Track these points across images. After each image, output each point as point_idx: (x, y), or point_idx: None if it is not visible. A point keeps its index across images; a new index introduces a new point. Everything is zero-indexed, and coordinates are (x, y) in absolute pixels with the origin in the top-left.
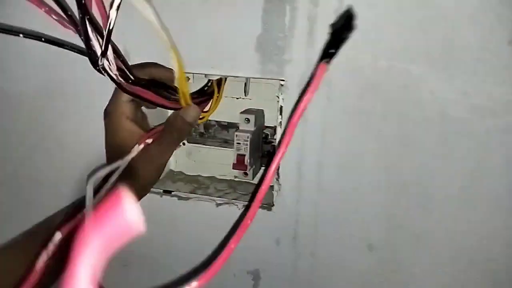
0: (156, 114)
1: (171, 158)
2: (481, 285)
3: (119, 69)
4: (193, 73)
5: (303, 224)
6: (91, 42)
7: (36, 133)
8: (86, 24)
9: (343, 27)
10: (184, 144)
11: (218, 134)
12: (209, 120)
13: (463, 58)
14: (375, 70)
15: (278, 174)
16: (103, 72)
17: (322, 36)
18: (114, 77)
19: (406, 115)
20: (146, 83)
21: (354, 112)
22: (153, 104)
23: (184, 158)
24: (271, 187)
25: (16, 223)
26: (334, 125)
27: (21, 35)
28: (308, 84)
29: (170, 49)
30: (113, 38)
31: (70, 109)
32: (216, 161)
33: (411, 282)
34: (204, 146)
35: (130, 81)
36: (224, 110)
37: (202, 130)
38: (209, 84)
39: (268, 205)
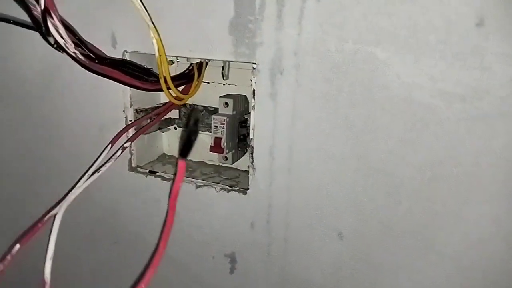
0: (145, 96)
1: (164, 141)
2: (449, 277)
3: (77, 47)
4: (174, 56)
5: (276, 209)
6: (37, 20)
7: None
8: (24, 2)
9: (190, 133)
10: (175, 128)
11: (206, 119)
12: (197, 105)
13: (430, 41)
14: (341, 53)
15: (252, 157)
16: (59, 50)
17: (290, 19)
18: (73, 54)
19: (372, 100)
20: (112, 62)
21: (322, 96)
22: (123, 84)
23: (176, 142)
24: (246, 171)
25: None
26: (303, 109)
27: None
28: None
29: (151, 29)
30: (100, 24)
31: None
32: (205, 146)
33: (380, 272)
34: None
35: (94, 60)
36: (211, 95)
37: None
38: (191, 67)
39: (243, 189)
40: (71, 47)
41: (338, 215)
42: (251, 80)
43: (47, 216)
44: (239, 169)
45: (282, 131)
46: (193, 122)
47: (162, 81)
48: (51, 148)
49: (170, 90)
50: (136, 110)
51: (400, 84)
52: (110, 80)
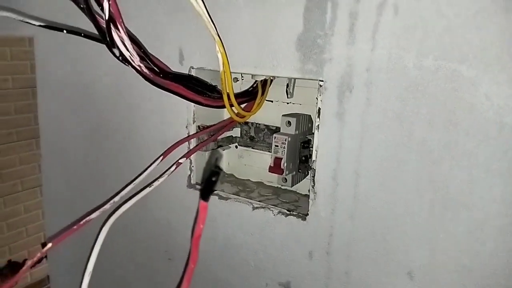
0: (209, 114)
1: (224, 160)
2: None
3: (142, 60)
4: (239, 73)
5: (338, 238)
6: (103, 31)
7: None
8: (92, 14)
9: (212, 174)
10: (236, 147)
11: (267, 138)
12: (258, 124)
13: None
14: (420, 70)
15: (314, 181)
16: (124, 62)
17: (364, 34)
18: (138, 67)
19: (455, 123)
20: (176, 76)
21: (396, 117)
22: (186, 100)
23: (235, 161)
24: (307, 195)
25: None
26: (373, 130)
27: (64, 31)
28: (195, 219)
29: (216, 42)
30: (169, 40)
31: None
32: (265, 166)
33: None
34: (254, 150)
35: (159, 74)
36: (274, 114)
37: (253, 134)
38: (255, 85)
39: (303, 215)
40: (136, 60)
41: (408, 252)
42: (316, 98)
43: (86, 219)
44: (298, 193)
45: (348, 154)
46: (214, 162)
47: (225, 97)
48: (117, 160)
49: (232, 107)
50: (198, 127)
51: (490, 106)
52: (174, 96)
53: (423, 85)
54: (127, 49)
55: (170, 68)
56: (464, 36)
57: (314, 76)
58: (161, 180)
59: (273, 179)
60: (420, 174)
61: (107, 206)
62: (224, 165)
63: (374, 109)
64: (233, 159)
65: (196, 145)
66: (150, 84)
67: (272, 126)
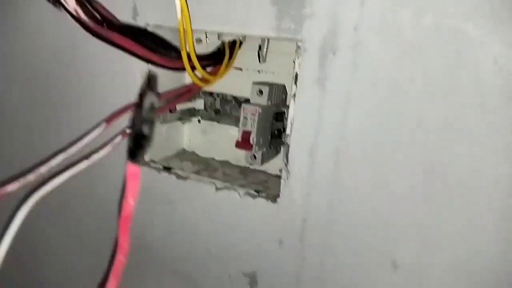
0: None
1: (185, 135)
2: None
3: (80, 4)
4: (202, 31)
5: (313, 225)
6: None
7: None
8: None
9: (142, 125)
10: (199, 121)
11: (235, 111)
12: (225, 95)
13: None
14: (417, 29)
15: (287, 158)
16: (55, 4)
17: None
18: (73, 12)
19: (457, 92)
20: (125, 28)
21: (388, 85)
22: (137, 57)
23: (198, 137)
24: (278, 176)
25: None
26: (360, 101)
27: None
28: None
29: None
30: None
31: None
32: (231, 143)
33: None
34: (220, 124)
35: (101, 24)
36: (243, 84)
37: (218, 106)
38: (221, 47)
39: (273, 196)
40: (71, 2)
41: (395, 242)
42: (293, 62)
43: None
44: (269, 173)
45: (329, 128)
46: (147, 108)
47: (184, 56)
48: (59, 129)
49: (194, 71)
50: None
51: (498, 71)
52: (126, 55)
53: (421, 47)
54: None
55: (116, 18)
56: None
57: (292, 35)
58: (102, 152)
59: (240, 158)
60: (413, 153)
61: (30, 177)
62: (184, 141)
63: (362, 75)
64: (195, 135)
65: None
66: (94, 37)
67: (241, 97)
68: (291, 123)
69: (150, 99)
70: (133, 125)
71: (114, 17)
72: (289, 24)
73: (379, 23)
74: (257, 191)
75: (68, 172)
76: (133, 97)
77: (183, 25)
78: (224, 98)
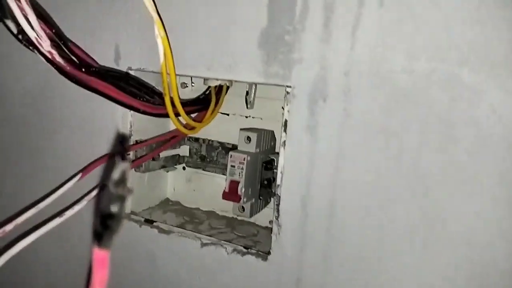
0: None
1: (169, 184)
2: None
3: (55, 47)
4: (187, 76)
5: (308, 284)
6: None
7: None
8: None
9: (109, 213)
10: (184, 168)
11: (222, 158)
12: (212, 141)
13: None
14: (410, 75)
15: (278, 211)
16: (29, 46)
17: (342, 29)
18: (47, 54)
19: (454, 140)
20: (104, 72)
21: (381, 133)
22: (117, 103)
23: (183, 185)
24: (269, 229)
25: None
26: (353, 149)
27: None
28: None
29: (155, 22)
30: (101, 35)
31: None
32: (218, 192)
33: None
34: (206, 172)
35: (79, 68)
36: (230, 130)
37: (204, 153)
38: (207, 92)
39: (263, 253)
40: (45, 44)
41: None
42: (282, 108)
43: None
44: (258, 225)
45: (322, 178)
46: (117, 180)
47: (167, 101)
48: (30, 180)
49: (178, 117)
50: (136, 141)
51: (497, 120)
52: (106, 100)
53: (414, 94)
54: (32, 27)
55: (95, 61)
56: (464, 33)
57: (280, 81)
58: (76, 208)
59: (227, 208)
60: (411, 205)
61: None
62: (168, 189)
63: (354, 123)
64: (179, 183)
65: (132, 161)
66: (73, 83)
67: (228, 143)
68: (281, 173)
69: (120, 169)
70: (100, 202)
71: (94, 60)
72: (277, 69)
73: (370, 67)
74: (246, 247)
75: (39, 231)
76: (111, 143)
77: (166, 69)
78: (210, 144)
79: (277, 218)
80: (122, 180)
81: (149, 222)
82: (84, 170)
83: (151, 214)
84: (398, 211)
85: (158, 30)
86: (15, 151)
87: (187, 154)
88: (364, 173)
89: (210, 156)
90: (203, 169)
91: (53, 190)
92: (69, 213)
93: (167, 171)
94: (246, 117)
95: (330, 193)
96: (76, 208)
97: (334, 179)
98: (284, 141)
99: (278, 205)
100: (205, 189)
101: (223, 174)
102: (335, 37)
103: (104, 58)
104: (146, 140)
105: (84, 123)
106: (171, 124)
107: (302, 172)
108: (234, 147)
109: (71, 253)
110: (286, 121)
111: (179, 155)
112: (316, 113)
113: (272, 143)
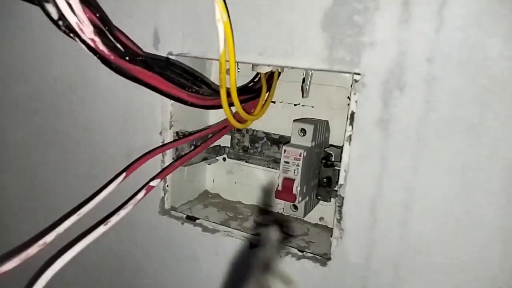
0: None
1: (207, 175)
2: None
3: (98, 34)
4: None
5: None
6: None
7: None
8: None
9: None
10: (224, 159)
11: (267, 150)
12: (256, 131)
13: None
14: (509, 62)
15: (340, 213)
16: (69, 33)
17: (426, 7)
18: (90, 42)
19: None
20: (149, 61)
21: (471, 129)
22: (163, 95)
23: (223, 177)
24: (328, 229)
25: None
26: (435, 147)
27: None
28: None
29: (218, 3)
30: (140, 17)
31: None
32: (261, 185)
33: None
34: (248, 164)
35: (123, 56)
36: (277, 119)
37: (247, 144)
38: (256, 79)
39: (322, 257)
40: (88, 31)
41: None
42: (349, 98)
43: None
44: (306, 221)
45: (395, 179)
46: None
47: (223, 94)
48: (65, 177)
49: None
50: (177, 133)
51: None
52: (145, 90)
53: None
54: (73, 11)
55: (140, 49)
56: None
57: (347, 68)
58: (122, 213)
59: (273, 202)
60: (506, 210)
61: (32, 250)
62: (207, 181)
63: (437, 117)
64: (219, 175)
65: (175, 160)
66: (112, 71)
67: (274, 134)
68: (345, 171)
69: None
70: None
71: (139, 48)
72: (343, 54)
73: (460, 53)
74: (301, 250)
75: (81, 244)
76: (155, 137)
77: (225, 54)
78: (254, 135)
79: (339, 221)
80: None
81: (191, 219)
82: (128, 169)
83: (191, 209)
84: (488, 217)
85: (220, 14)
86: (47, 143)
87: (229, 144)
88: (448, 174)
89: (253, 147)
90: (246, 161)
91: (95, 193)
92: (114, 220)
93: (209, 164)
94: (295, 105)
95: (405, 196)
96: (122, 213)
97: (411, 180)
98: (350, 136)
99: (340, 206)
100: (247, 182)
101: (268, 167)
102: (417, 17)
103: (141, 42)
104: (191, 134)
105: (119, 113)
106: (210, 114)
107: (372, 171)
108: (281, 138)
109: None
110: (353, 113)
111: (219, 145)
112: (391, 105)
113: (326, 135)
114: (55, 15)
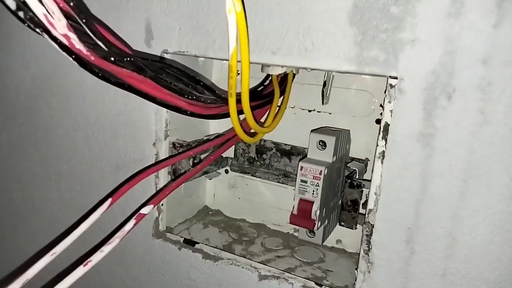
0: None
1: (207, 190)
2: None
3: (74, 28)
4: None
5: None
6: None
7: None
8: None
9: None
10: (227, 172)
11: (276, 162)
12: (264, 141)
13: None
14: None
15: (368, 244)
16: (36, 29)
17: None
18: (63, 40)
19: None
20: (139, 63)
21: None
22: (157, 104)
23: (225, 191)
24: (347, 253)
25: None
26: (488, 166)
27: None
28: None
29: (233, 4)
30: (129, 10)
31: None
32: (270, 202)
33: None
34: (254, 178)
35: (108, 57)
36: (288, 127)
37: (253, 155)
38: (267, 82)
39: None
40: (59, 25)
41: None
42: (381, 107)
43: None
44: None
45: (440, 204)
46: None
47: (232, 103)
48: (46, 190)
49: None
50: (174, 144)
51: None
52: (134, 96)
53: None
54: (40, 1)
55: (129, 47)
56: None
57: (381, 70)
58: (106, 250)
59: (282, 221)
60: None
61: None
62: (207, 196)
63: (493, 131)
64: (221, 189)
65: (172, 180)
66: (93, 75)
67: (285, 144)
68: (376, 194)
69: None
70: None
71: (127, 45)
72: (376, 54)
73: None
74: (319, 284)
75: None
76: (148, 148)
77: (239, 50)
78: (261, 145)
79: (367, 252)
80: None
81: (190, 243)
82: (113, 194)
83: (189, 229)
84: None
85: (233, 2)
86: (26, 154)
87: (232, 156)
88: (507, 200)
89: (260, 159)
90: (252, 175)
91: (73, 225)
92: (96, 259)
93: (210, 178)
94: (309, 111)
95: (450, 225)
96: (106, 249)
97: (459, 206)
98: (383, 152)
99: (369, 236)
100: (252, 198)
101: (278, 182)
102: (470, 8)
103: (131, 38)
104: (193, 145)
105: (106, 120)
106: (212, 124)
107: (410, 195)
108: (293, 149)
109: None
110: (387, 124)
111: (222, 156)
112: (436, 116)
113: (347, 146)
114: (11, 4)
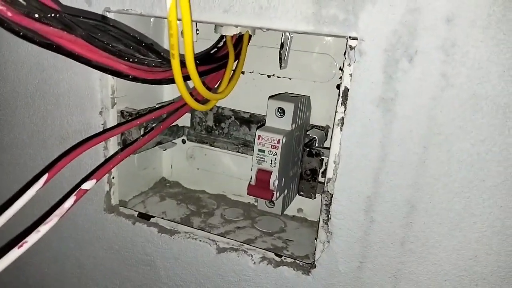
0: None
1: (164, 160)
2: None
3: None
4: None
5: None
6: None
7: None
8: None
9: None
10: (183, 142)
11: (235, 131)
12: (222, 109)
13: None
14: None
15: (328, 213)
16: None
17: None
18: None
19: None
20: (73, 22)
21: (496, 109)
22: (93, 67)
23: (183, 162)
24: (308, 223)
25: None
26: (450, 132)
27: None
28: None
29: None
30: None
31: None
32: (230, 172)
33: None
34: (213, 148)
35: (29, 12)
36: (247, 93)
37: (211, 124)
38: (221, 43)
39: (305, 265)
40: None
41: None
42: (341, 70)
43: None
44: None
45: (400, 172)
46: None
47: (175, 64)
48: None
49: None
50: (122, 113)
51: None
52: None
53: None
54: None
55: (57, 1)
56: None
57: (340, 30)
58: (43, 230)
59: (242, 191)
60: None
61: None
62: (164, 167)
63: (455, 95)
64: (178, 160)
65: (120, 149)
66: (14, 35)
67: (244, 112)
68: (335, 163)
69: None
70: None
71: (54, 0)
72: (335, 12)
73: (490, 12)
74: (278, 255)
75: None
76: (94, 117)
77: (176, 9)
78: (219, 113)
79: (326, 222)
80: None
81: (145, 217)
82: (51, 169)
83: (145, 202)
84: (497, 213)
85: None
86: None
87: (188, 125)
88: (467, 167)
89: (219, 127)
90: (210, 144)
91: (5, 203)
92: (32, 240)
93: (164, 149)
94: (269, 76)
95: (410, 193)
96: (43, 229)
97: (419, 174)
98: (342, 118)
99: (328, 205)
100: (212, 168)
101: (237, 152)
102: None
103: None
104: (143, 113)
105: (47, 87)
106: (165, 87)
107: (369, 163)
108: (253, 117)
109: None
110: (346, 89)
111: (177, 125)
112: (396, 79)
113: (307, 114)
114: None
